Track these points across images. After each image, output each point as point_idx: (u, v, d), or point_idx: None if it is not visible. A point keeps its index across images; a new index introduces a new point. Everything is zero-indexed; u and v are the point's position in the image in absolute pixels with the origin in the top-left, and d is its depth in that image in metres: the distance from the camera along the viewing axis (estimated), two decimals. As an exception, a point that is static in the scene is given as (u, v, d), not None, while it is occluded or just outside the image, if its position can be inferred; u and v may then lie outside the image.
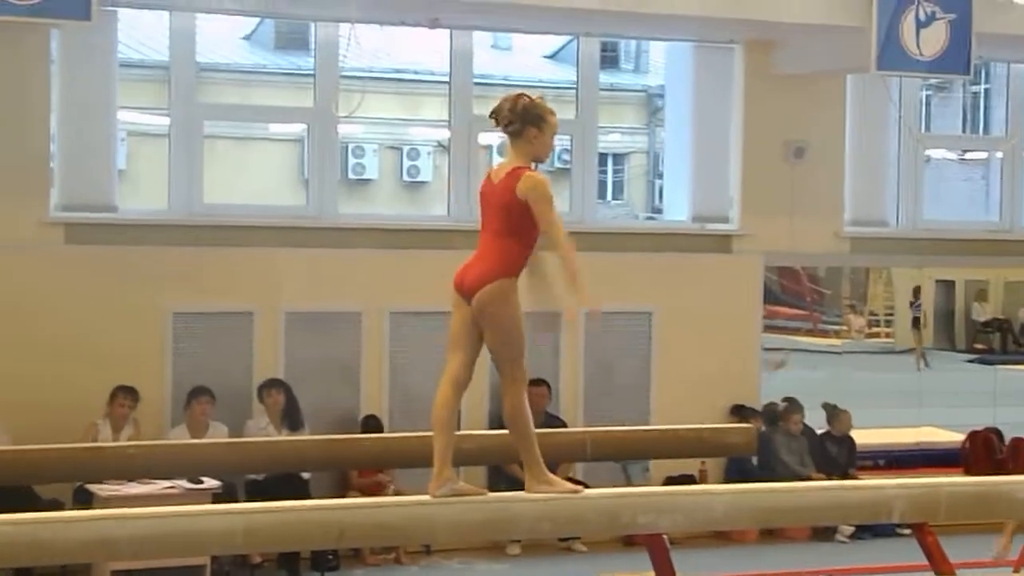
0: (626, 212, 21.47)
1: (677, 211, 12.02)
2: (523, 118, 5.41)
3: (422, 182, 20.04)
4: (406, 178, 20.23)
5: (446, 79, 11.43)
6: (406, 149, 20.29)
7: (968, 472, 11.71)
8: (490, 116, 5.51)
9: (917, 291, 22.79)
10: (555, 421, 10.69)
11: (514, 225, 5.43)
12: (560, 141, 17.97)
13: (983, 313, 24.19)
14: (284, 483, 9.48)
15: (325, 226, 10.82)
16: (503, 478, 10.24)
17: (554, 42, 20.01)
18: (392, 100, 19.49)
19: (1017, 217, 12.99)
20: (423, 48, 18.17)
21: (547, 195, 5.41)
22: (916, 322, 23.18)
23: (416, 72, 18.95)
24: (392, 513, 5.66)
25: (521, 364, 5.64)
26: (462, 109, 11.27)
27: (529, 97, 5.47)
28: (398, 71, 19.19)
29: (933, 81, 18.48)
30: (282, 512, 5.35)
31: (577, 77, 11.75)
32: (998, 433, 12.57)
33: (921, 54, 10.73)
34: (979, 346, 23.24)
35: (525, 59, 21.00)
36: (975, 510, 6.45)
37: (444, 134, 11.65)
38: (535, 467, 5.62)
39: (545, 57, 21.21)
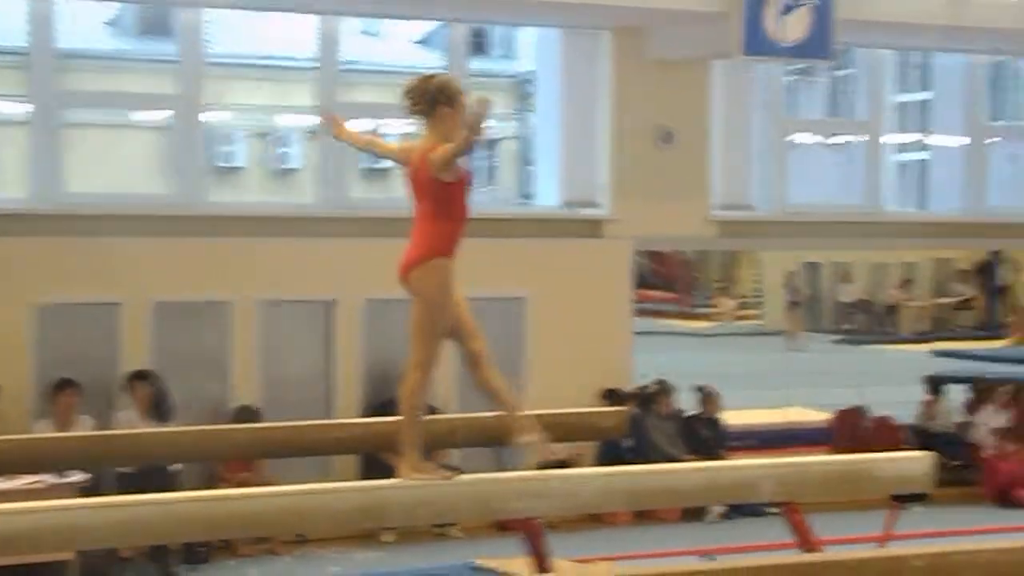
0: (498, 198, 21.52)
1: (548, 197, 12.06)
2: (434, 98, 5.42)
3: (292, 169, 19.90)
4: (275, 165, 20.06)
5: (314, 65, 11.32)
6: (275, 136, 20.11)
7: (835, 451, 11.92)
8: (401, 96, 5.49)
9: (792, 275, 23.24)
10: (428, 410, 10.64)
11: (438, 205, 5.47)
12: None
13: (849, 294, 24.77)
14: (153, 476, 9.33)
15: (192, 214, 10.67)
16: (376, 466, 10.20)
17: (424, 28, 19.98)
18: (261, 87, 19.30)
19: (879, 199, 13.24)
20: (291, 34, 18.03)
21: (439, 150, 5.34)
22: (792, 305, 23.64)
23: (284, 58, 18.79)
24: (264, 503, 5.60)
25: (433, 350, 5.67)
26: (330, 95, 11.18)
27: (440, 77, 5.50)
28: (266, 58, 19.01)
29: (798, 66, 18.79)
30: (150, 505, 5.27)
31: (447, 63, 11.72)
32: (863, 411, 12.81)
33: (785, 40, 10.88)
34: (845, 326, 23.79)
35: (395, 45, 20.93)
36: (841, 488, 6.57)
37: (313, 121, 11.53)
38: (411, 454, 5.63)
39: (415, 43, 21.16)
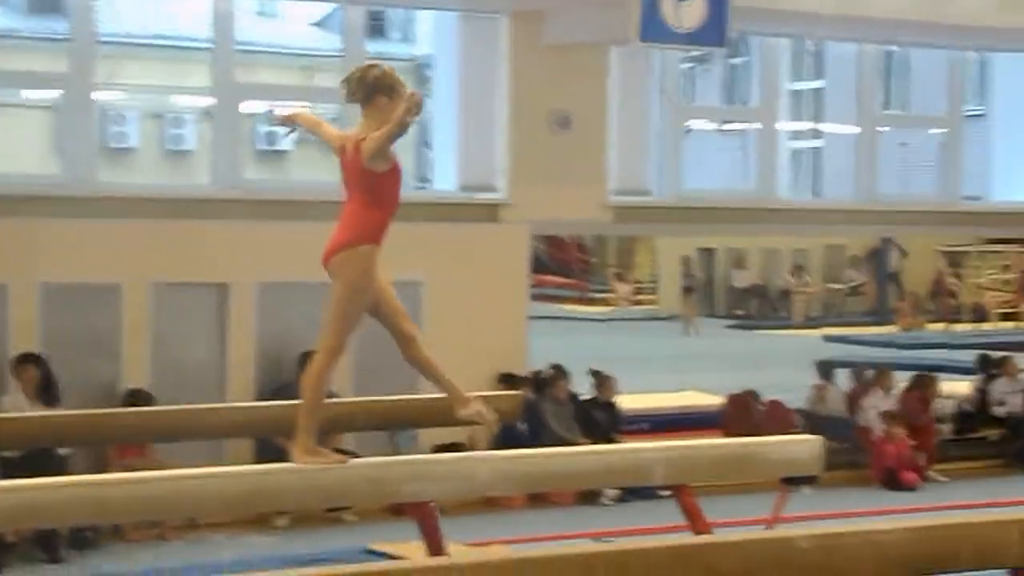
0: (395, 182, 21.44)
1: (445, 181, 12.04)
2: (373, 87, 5.47)
3: (186, 151, 19.67)
4: (169, 146, 19.83)
5: (209, 46, 11.19)
6: (169, 117, 19.87)
7: (727, 434, 12.05)
8: (341, 84, 5.54)
9: (686, 261, 23.43)
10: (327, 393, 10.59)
11: (369, 194, 5.53)
12: (327, 110, 17.80)
13: (742, 280, 25.04)
14: (41, 461, 9.19)
15: (82, 195, 10.49)
16: (270, 450, 10.14)
17: (321, 9, 19.85)
18: (155, 67, 19.06)
19: (773, 186, 13.39)
20: (186, 14, 17.82)
21: (372, 138, 5.36)
22: (687, 291, 23.84)
23: (179, 38, 18.56)
24: (154, 487, 5.53)
25: (344, 336, 5.72)
26: (225, 76, 11.06)
27: (380, 67, 5.53)
28: (160, 37, 18.77)
29: (694, 53, 18.95)
30: (37, 489, 5.19)
31: (344, 45, 11.64)
32: (756, 395, 12.96)
33: (681, 26, 10.96)
34: (739, 312, 24.04)
35: (291, 26, 20.77)
36: (732, 470, 6.66)
37: (208, 102, 11.40)
38: (305, 438, 5.61)
39: (312, 24, 21.01)
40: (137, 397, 10.21)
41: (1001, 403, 13.50)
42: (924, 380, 13.27)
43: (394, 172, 5.57)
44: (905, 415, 12.75)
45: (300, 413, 5.65)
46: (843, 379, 13.51)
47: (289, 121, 5.94)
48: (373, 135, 5.41)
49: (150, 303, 10.60)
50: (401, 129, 5.33)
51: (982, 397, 13.61)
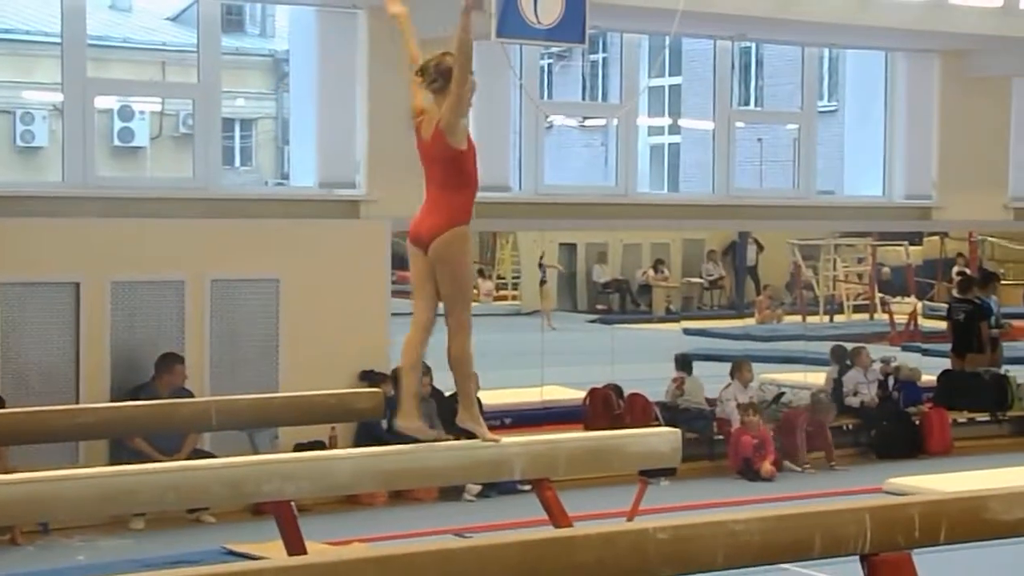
0: (255, 178, 21.24)
1: (304, 177, 11.93)
2: (447, 75, 5.85)
3: (37, 147, 19.26)
4: (20, 143, 19.39)
5: (60, 40, 10.94)
6: (19, 113, 19.43)
7: (588, 428, 12.13)
8: (416, 74, 5.96)
9: (541, 255, 23.47)
10: (181, 393, 10.45)
11: (456, 175, 5.91)
12: (182, 106, 17.62)
13: (603, 275, 25.17)
14: None
15: (-73, 193, 10.22)
16: (125, 451, 9.98)
17: (176, 4, 19.57)
18: (4, 62, 18.63)
19: (632, 182, 13.51)
20: (36, 7, 17.42)
21: (446, 109, 5.86)
22: (541, 284, 23.90)
23: (28, 32, 18.15)
24: (3, 492, 5.41)
25: (469, 310, 6.02)
26: (77, 71, 10.82)
27: (452, 56, 5.87)
28: (8, 31, 18.34)
29: (554, 49, 19.05)
30: None
31: (198, 40, 11.48)
32: (617, 389, 13.06)
33: (539, 22, 10.97)
34: (600, 307, 24.17)
35: (146, 20, 20.44)
36: (592, 464, 6.71)
37: (59, 97, 11.15)
38: (471, 406, 6.21)
39: (167, 19, 20.70)
40: (-12, 400, 9.96)
41: (855, 393, 13.79)
42: (822, 405, 13.43)
43: (472, 150, 5.94)
44: (787, 427, 12.92)
45: (460, 387, 6.25)
46: (703, 371, 13.67)
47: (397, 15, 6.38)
48: (445, 112, 5.82)
49: (0, 303, 10.33)
50: (464, 103, 5.80)
51: (836, 388, 13.88)
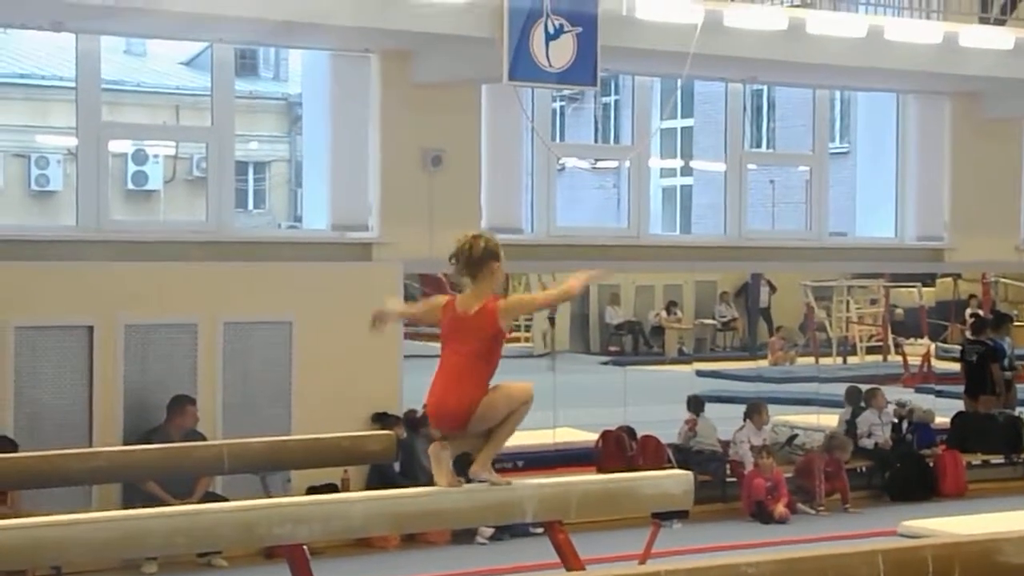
0: (268, 221, 21.31)
1: (317, 220, 11.97)
2: (484, 257, 6.09)
3: (52, 191, 19.35)
4: (34, 187, 19.49)
5: (75, 84, 11.01)
6: (34, 157, 19.54)
7: (601, 470, 12.10)
8: (451, 259, 6.13)
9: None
10: (193, 435, 10.45)
11: (492, 351, 6.13)
12: (196, 149, 17.61)
13: (616, 316, 25.15)
14: (-100, 510, 8.93)
15: (-57, 237, 10.27)
16: (138, 495, 9.98)
17: (191, 48, 19.68)
18: (19, 106, 18.75)
19: (644, 224, 13.53)
20: (51, 52, 17.55)
21: (515, 302, 6.53)
22: (552, 323, 23.90)
23: (43, 77, 18.27)
24: (16, 536, 5.42)
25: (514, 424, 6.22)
26: (91, 116, 10.90)
27: (484, 239, 6.15)
28: (23, 76, 18.47)
29: (566, 92, 19.12)
30: None
31: (212, 84, 11.55)
32: (630, 431, 13.03)
33: (550, 66, 11.04)
34: (612, 348, 24.14)
35: (160, 64, 20.57)
36: (604, 506, 6.68)
37: (73, 141, 11.22)
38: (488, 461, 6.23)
39: (180, 64, 20.82)
40: (3, 444, 9.97)
41: (869, 435, 13.74)
42: (838, 442, 13.40)
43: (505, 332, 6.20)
44: (805, 470, 12.89)
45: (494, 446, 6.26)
46: (716, 413, 13.63)
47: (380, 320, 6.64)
48: (525, 299, 6.64)
49: (13, 346, 10.36)
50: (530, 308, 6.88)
51: (850, 429, 13.83)
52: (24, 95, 18.55)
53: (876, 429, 13.76)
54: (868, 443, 13.70)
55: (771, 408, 13.68)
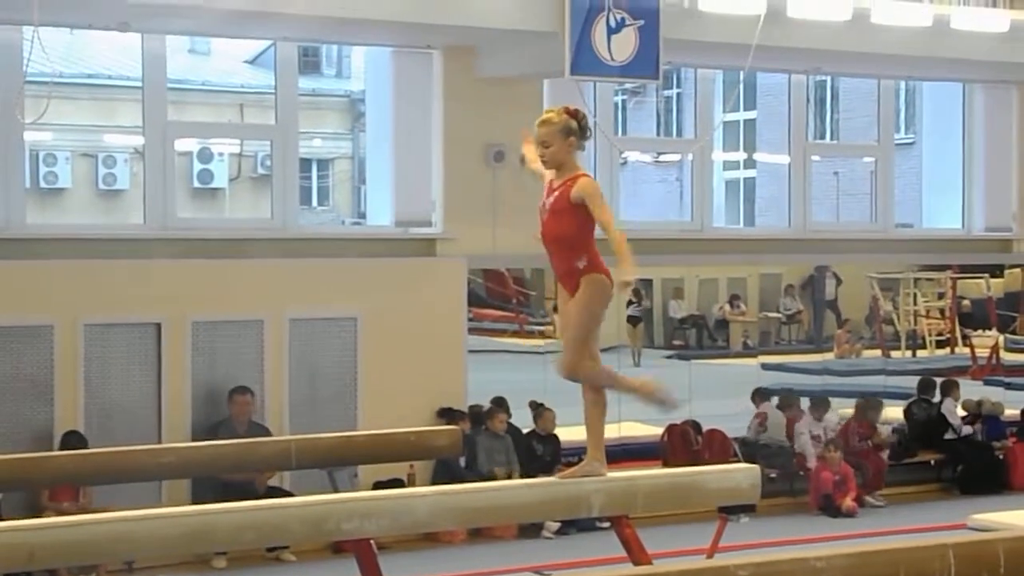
0: (332, 217, 21.39)
1: (381, 216, 12.01)
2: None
3: (119, 190, 19.53)
4: (102, 186, 19.68)
5: (140, 84, 11.12)
6: (101, 156, 19.72)
7: (666, 464, 12.07)
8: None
9: (637, 292, 23.43)
10: (260, 430, 10.54)
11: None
12: (260, 147, 17.72)
13: (680, 310, 25.07)
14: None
15: (11, 237, 10.40)
16: (207, 489, 10.05)
17: (254, 47, 19.79)
18: (86, 106, 18.93)
19: (708, 217, 13.48)
20: (117, 52, 17.71)
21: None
22: (635, 321, 23.84)
23: (109, 77, 18.44)
24: (87, 531, 5.48)
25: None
26: (157, 114, 11.00)
27: (570, 112, 6.22)
28: (90, 76, 18.64)
29: (628, 86, 19.06)
30: (-34, 536, 5.11)
31: (275, 82, 11.62)
32: (695, 425, 12.99)
33: (612, 59, 11.02)
34: (677, 342, 24.07)
35: (224, 63, 20.70)
36: (670, 501, 6.66)
37: (140, 140, 11.33)
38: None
39: (245, 62, 20.94)
40: (71, 439, 10.09)
41: (951, 427, 13.60)
42: (869, 403, 13.36)
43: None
44: (843, 441, 12.84)
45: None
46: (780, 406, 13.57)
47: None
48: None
49: (83, 344, 10.48)
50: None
51: (927, 421, 13.68)
52: (91, 95, 18.72)
53: (955, 421, 13.65)
54: (950, 435, 13.56)
55: (837, 401, 13.60)
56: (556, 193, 6.13)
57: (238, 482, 9.85)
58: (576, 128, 6.15)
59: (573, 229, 6.14)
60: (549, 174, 6.21)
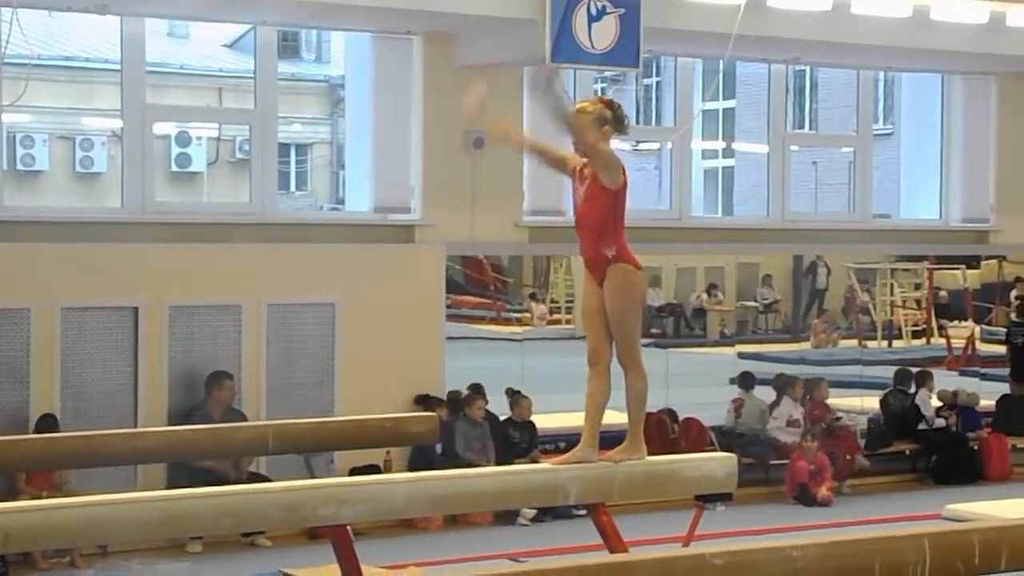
0: (310, 203, 21.37)
1: (359, 202, 11.99)
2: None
3: (96, 173, 19.47)
4: (79, 169, 19.62)
5: (119, 67, 11.07)
6: (79, 139, 19.66)
7: (644, 452, 12.06)
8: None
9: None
10: (236, 415, 10.52)
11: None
12: (239, 131, 17.68)
13: (657, 298, 25.12)
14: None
15: (-11, 219, 10.35)
16: (183, 474, 10.04)
17: (233, 31, 19.74)
18: (63, 88, 18.85)
19: (686, 205, 13.49)
20: (95, 35, 17.64)
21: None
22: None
23: (88, 59, 18.37)
24: (61, 515, 5.46)
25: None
26: (135, 97, 10.95)
27: (604, 103, 6.29)
28: (68, 58, 18.57)
29: (608, 73, 19.06)
30: (-60, 519, 5.09)
31: (255, 66, 11.58)
32: (671, 413, 13.01)
33: (593, 47, 11.01)
34: (654, 331, 24.11)
35: (203, 47, 20.64)
36: (647, 489, 6.68)
37: (118, 123, 11.28)
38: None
39: (224, 46, 20.88)
40: (46, 423, 10.06)
41: (926, 419, 13.64)
42: (811, 383, 13.43)
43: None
44: (814, 427, 12.88)
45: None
46: (759, 395, 13.60)
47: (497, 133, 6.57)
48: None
49: (59, 327, 10.44)
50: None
51: (903, 411, 13.72)
52: (69, 77, 18.64)
53: (929, 412, 13.70)
54: (923, 426, 13.60)
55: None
56: (588, 181, 6.13)
57: (213, 474, 9.84)
58: (611, 118, 6.10)
59: (605, 215, 6.21)
60: (580, 161, 6.20)
